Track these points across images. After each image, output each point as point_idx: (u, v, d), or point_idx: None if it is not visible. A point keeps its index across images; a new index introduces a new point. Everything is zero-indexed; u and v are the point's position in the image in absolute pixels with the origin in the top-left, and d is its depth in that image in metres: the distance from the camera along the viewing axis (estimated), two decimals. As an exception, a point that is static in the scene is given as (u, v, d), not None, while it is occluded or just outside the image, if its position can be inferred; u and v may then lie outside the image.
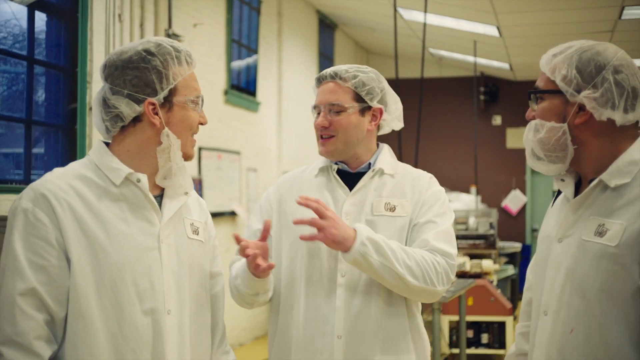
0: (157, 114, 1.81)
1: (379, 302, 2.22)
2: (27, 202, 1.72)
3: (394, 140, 4.22)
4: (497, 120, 12.48)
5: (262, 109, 8.22)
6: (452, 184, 11.43)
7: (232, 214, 7.30)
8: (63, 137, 5.04)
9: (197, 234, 1.96)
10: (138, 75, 1.79)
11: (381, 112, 2.34)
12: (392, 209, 2.28)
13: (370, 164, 2.35)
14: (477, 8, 7.98)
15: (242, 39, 7.85)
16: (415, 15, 8.95)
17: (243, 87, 7.84)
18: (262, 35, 8.28)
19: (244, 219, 7.34)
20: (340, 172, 2.35)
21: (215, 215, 6.47)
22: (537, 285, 1.98)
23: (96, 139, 5.10)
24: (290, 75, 9.06)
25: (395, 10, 5.83)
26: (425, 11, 5.96)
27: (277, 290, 2.32)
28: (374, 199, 2.29)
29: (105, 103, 1.81)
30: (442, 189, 2.39)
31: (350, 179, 2.34)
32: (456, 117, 12.51)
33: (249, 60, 8.04)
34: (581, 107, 1.84)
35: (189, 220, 1.95)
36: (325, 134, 2.30)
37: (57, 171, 1.81)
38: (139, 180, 1.81)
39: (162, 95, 1.81)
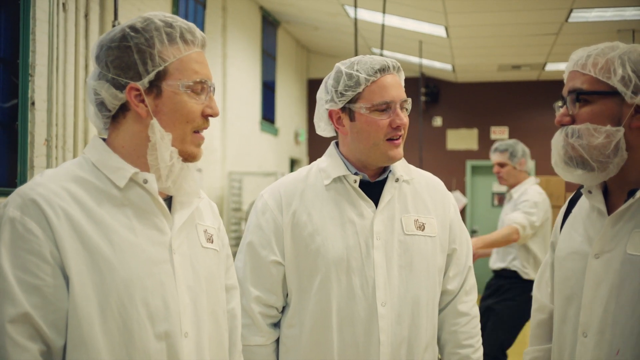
0: (143, 101, 1.54)
1: (425, 328, 2.06)
2: (14, 210, 1.43)
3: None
4: (438, 121, 12.48)
5: (206, 107, 7.92)
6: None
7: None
8: (3, 134, 4.67)
9: (212, 242, 1.69)
10: (119, 55, 1.52)
11: None
12: (422, 228, 2.08)
13: (389, 171, 2.12)
14: (427, 8, 7.89)
15: (188, 34, 7.54)
16: (361, 14, 8.80)
17: (188, 83, 7.53)
18: (207, 31, 7.99)
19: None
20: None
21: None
22: (567, 306, 1.81)
23: (39, 136, 4.75)
24: (234, 72, 8.79)
25: (355, 8, 5.64)
26: (384, 12, 5.79)
27: (296, 324, 2.06)
28: (401, 214, 2.07)
29: (90, 89, 1.56)
30: (451, 194, 2.25)
31: (368, 189, 2.09)
32: (398, 118, 12.44)
33: (195, 56, 7.73)
34: (637, 110, 1.69)
35: (202, 227, 1.68)
36: (398, 135, 2.03)
37: (48, 173, 1.52)
38: (145, 182, 1.54)
39: (147, 79, 1.53)
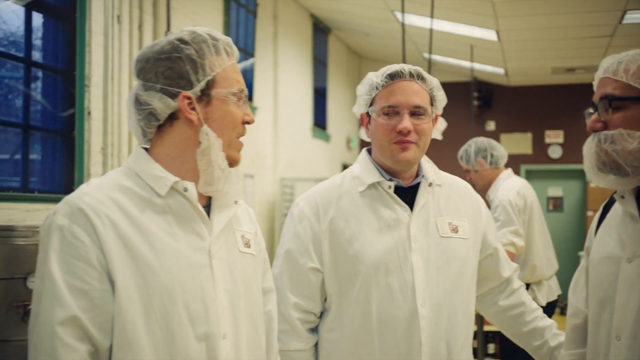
0: (194, 109, 1.60)
1: (461, 327, 2.11)
2: (63, 218, 1.50)
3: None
4: (491, 125, 12.37)
5: (258, 114, 8.04)
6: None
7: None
8: (61, 143, 4.83)
9: (249, 247, 1.75)
10: (171, 66, 1.59)
11: (436, 120, 2.18)
12: (455, 230, 2.13)
13: (422, 176, 2.16)
14: (477, 12, 7.86)
15: (239, 43, 7.67)
16: (412, 20, 8.82)
17: (240, 91, 7.65)
18: (259, 39, 8.11)
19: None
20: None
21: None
22: (601, 310, 1.82)
23: (95, 145, 4.91)
24: (285, 79, 8.89)
25: (402, 13, 5.67)
26: (432, 16, 5.81)
27: (336, 328, 2.11)
28: (435, 217, 2.12)
29: (137, 101, 1.62)
30: (480, 197, 2.32)
31: (403, 194, 2.13)
32: (451, 123, 12.35)
33: (246, 63, 7.86)
34: None
35: (239, 232, 1.73)
36: (406, 139, 2.07)
37: (94, 182, 1.60)
38: (186, 190, 1.61)
39: (198, 87, 1.60)
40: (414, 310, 2.03)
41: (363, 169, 2.16)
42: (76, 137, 4.84)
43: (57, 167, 4.80)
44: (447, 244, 2.10)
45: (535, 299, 4.40)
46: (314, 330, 2.17)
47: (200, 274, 1.59)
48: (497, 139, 12.32)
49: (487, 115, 12.39)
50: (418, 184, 2.15)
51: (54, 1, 4.80)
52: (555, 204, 12.10)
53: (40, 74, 4.72)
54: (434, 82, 2.13)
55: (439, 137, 2.24)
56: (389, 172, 2.14)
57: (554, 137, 12.04)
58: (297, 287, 2.12)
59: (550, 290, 4.54)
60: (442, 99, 2.16)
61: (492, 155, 4.64)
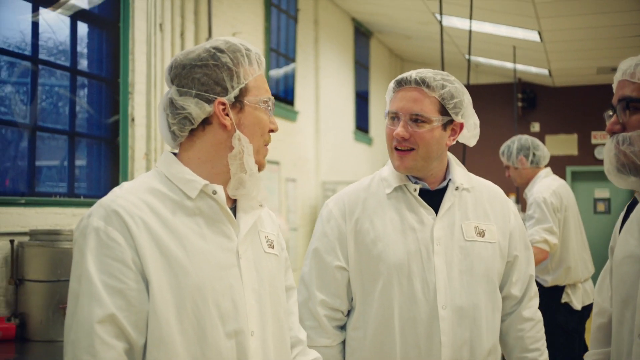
0: (227, 114, 1.67)
1: (486, 330, 2.11)
2: (99, 220, 1.56)
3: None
4: (536, 127, 12.25)
5: (300, 118, 8.11)
6: (491, 192, 11.20)
7: (272, 225, 7.18)
8: (106, 149, 4.96)
9: (273, 248, 1.81)
10: (207, 73, 1.66)
11: (461, 128, 2.17)
12: (482, 234, 2.15)
13: (449, 179, 2.18)
14: (519, 13, 7.81)
15: (280, 48, 7.75)
16: (453, 22, 8.80)
17: (282, 96, 7.74)
18: (299, 44, 8.18)
19: (284, 230, 7.22)
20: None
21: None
22: (623, 308, 1.82)
23: (139, 151, 5.03)
24: (327, 83, 8.95)
25: (440, 16, 5.67)
26: (470, 18, 5.79)
27: (361, 326, 2.16)
28: (461, 221, 2.14)
29: (172, 105, 1.68)
30: (513, 202, 2.29)
31: (429, 197, 2.16)
32: (495, 125, 12.30)
33: (287, 68, 7.94)
34: None
35: (263, 233, 1.80)
36: (402, 146, 2.10)
37: (127, 185, 1.67)
38: (215, 192, 1.67)
39: (232, 94, 1.67)
40: (434, 311, 2.06)
41: (391, 171, 2.20)
42: (120, 143, 4.96)
43: (102, 173, 4.93)
44: (472, 248, 2.12)
45: (570, 302, 4.36)
46: (342, 327, 2.22)
47: (229, 273, 1.65)
48: (542, 141, 12.19)
49: (531, 116, 12.27)
50: (445, 188, 2.18)
51: (99, 11, 4.93)
52: (602, 206, 11.90)
53: (85, 82, 4.86)
54: (447, 89, 2.10)
55: (470, 143, 2.23)
56: (416, 175, 2.17)
57: (601, 138, 11.86)
58: (324, 285, 2.18)
59: (585, 294, 4.48)
60: (462, 104, 2.12)
61: (534, 154, 4.61)
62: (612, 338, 1.89)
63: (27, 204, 4.04)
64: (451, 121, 2.13)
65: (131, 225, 1.56)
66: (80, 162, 4.81)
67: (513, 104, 11.02)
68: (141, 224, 1.58)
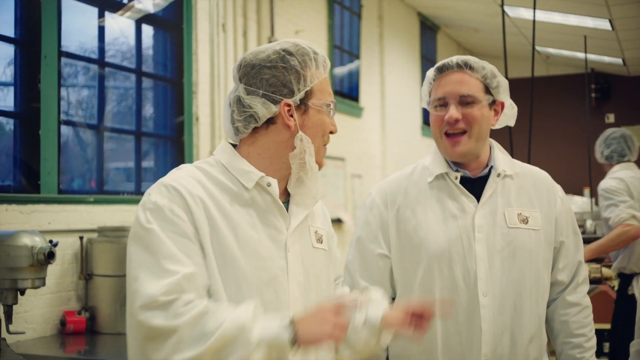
0: (292, 116, 1.72)
1: (528, 318, 2.10)
2: (162, 198, 1.61)
3: (505, 141, 4.02)
4: (611, 118, 11.91)
5: (365, 115, 8.12)
6: (564, 186, 10.83)
7: (338, 221, 7.23)
8: (171, 148, 5.09)
9: (321, 243, 1.85)
10: (276, 74, 1.72)
11: (503, 107, 2.19)
12: (525, 221, 2.12)
13: (490, 166, 2.18)
14: (588, 1, 7.62)
15: (344, 45, 7.78)
16: (521, 13, 8.65)
17: (346, 92, 7.77)
18: (364, 40, 8.19)
19: (350, 226, 7.25)
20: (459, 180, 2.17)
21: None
22: None
23: (204, 149, 5.14)
24: (392, 79, 8.93)
25: (502, 5, 5.59)
26: (534, 8, 5.68)
27: None
28: (504, 208, 2.13)
29: (239, 102, 1.73)
30: (560, 187, 2.27)
31: (471, 185, 2.16)
32: (566, 117, 12.03)
33: (351, 65, 7.96)
34: None
35: (313, 228, 1.84)
36: (454, 130, 2.10)
37: (186, 168, 1.72)
38: (269, 185, 1.72)
39: (298, 96, 1.72)
40: (475, 298, 2.06)
41: (433, 160, 2.21)
42: (185, 142, 5.08)
43: (168, 171, 5.05)
44: (514, 235, 2.10)
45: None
46: None
47: (275, 264, 1.69)
48: (618, 132, 11.85)
49: (606, 107, 11.94)
50: (488, 175, 2.17)
51: (163, 14, 5.06)
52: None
53: (151, 83, 4.99)
54: (488, 69, 2.15)
55: (511, 123, 2.23)
56: (457, 163, 2.17)
57: (680, 128, 11.44)
58: (367, 272, 2.20)
59: None
60: (500, 84, 2.16)
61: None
62: None
63: (96, 202, 4.19)
64: (494, 101, 2.15)
65: (191, 203, 1.62)
66: (147, 161, 4.96)
67: (585, 94, 10.74)
68: (200, 203, 1.63)
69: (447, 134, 2.12)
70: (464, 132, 2.10)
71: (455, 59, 2.15)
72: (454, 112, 2.09)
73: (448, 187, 2.16)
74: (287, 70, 1.72)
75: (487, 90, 2.14)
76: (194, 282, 1.56)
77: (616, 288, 6.82)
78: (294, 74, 1.72)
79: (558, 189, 2.25)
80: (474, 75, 2.13)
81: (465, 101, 2.10)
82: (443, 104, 2.13)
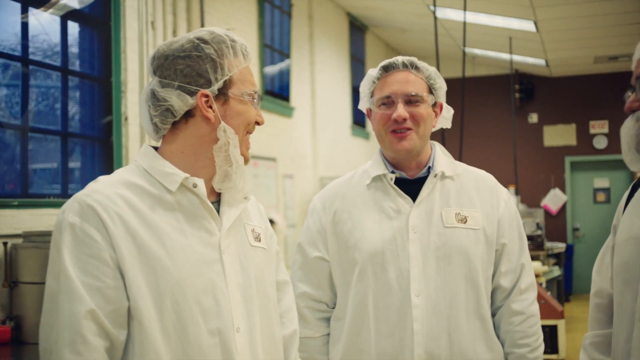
0: (211, 107, 1.63)
1: (466, 319, 2.08)
2: (74, 216, 1.52)
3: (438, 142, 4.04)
4: (534, 118, 12.21)
5: (296, 114, 8.07)
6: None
7: (270, 222, 7.15)
8: (99, 149, 4.93)
9: (260, 241, 1.77)
10: (190, 64, 1.62)
11: (441, 109, 2.22)
12: (464, 220, 2.12)
13: (429, 167, 2.18)
14: (514, 2, 7.77)
15: (275, 44, 7.71)
16: (448, 14, 8.76)
17: (277, 92, 7.70)
18: (294, 39, 8.14)
19: (282, 226, 7.19)
20: (396, 181, 2.17)
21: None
22: (624, 290, 1.79)
23: (133, 150, 4.99)
24: (323, 78, 8.91)
25: (435, 8, 5.63)
26: (465, 9, 5.76)
27: (341, 316, 2.18)
28: (441, 208, 2.13)
29: (154, 97, 1.63)
30: (506, 190, 2.26)
31: (409, 186, 2.16)
32: (492, 117, 12.28)
33: (282, 65, 7.90)
34: None
35: (249, 227, 1.76)
36: (402, 128, 2.11)
37: (103, 179, 1.62)
38: (195, 186, 1.63)
39: (216, 86, 1.63)
40: (407, 299, 2.06)
41: (372, 163, 2.24)
42: (114, 143, 4.93)
43: (96, 173, 4.89)
44: (450, 234, 2.10)
45: None
46: (329, 319, 2.23)
47: (210, 269, 1.61)
48: (540, 131, 12.17)
49: (529, 107, 12.24)
50: (427, 176, 2.17)
51: (89, 10, 4.89)
52: (602, 196, 11.87)
53: (77, 82, 4.82)
54: (431, 70, 2.18)
55: (448, 125, 2.25)
56: (394, 165, 2.18)
57: (599, 128, 11.82)
58: (306, 276, 2.23)
59: None
60: (442, 86, 2.20)
61: None
62: (613, 321, 1.86)
63: (20, 206, 4.01)
64: (435, 103, 2.18)
65: (107, 220, 1.52)
66: (74, 162, 4.78)
67: (510, 95, 10.99)
68: (117, 219, 1.53)
69: (393, 131, 2.12)
70: (410, 130, 2.11)
71: (401, 58, 2.17)
72: (402, 110, 2.10)
73: (385, 189, 2.17)
74: (202, 59, 1.63)
75: (431, 91, 2.17)
76: (97, 319, 1.49)
77: (544, 285, 7.00)
78: (209, 62, 1.63)
79: (503, 191, 2.23)
80: (419, 75, 2.16)
81: (411, 100, 2.12)
82: (389, 102, 2.13)
